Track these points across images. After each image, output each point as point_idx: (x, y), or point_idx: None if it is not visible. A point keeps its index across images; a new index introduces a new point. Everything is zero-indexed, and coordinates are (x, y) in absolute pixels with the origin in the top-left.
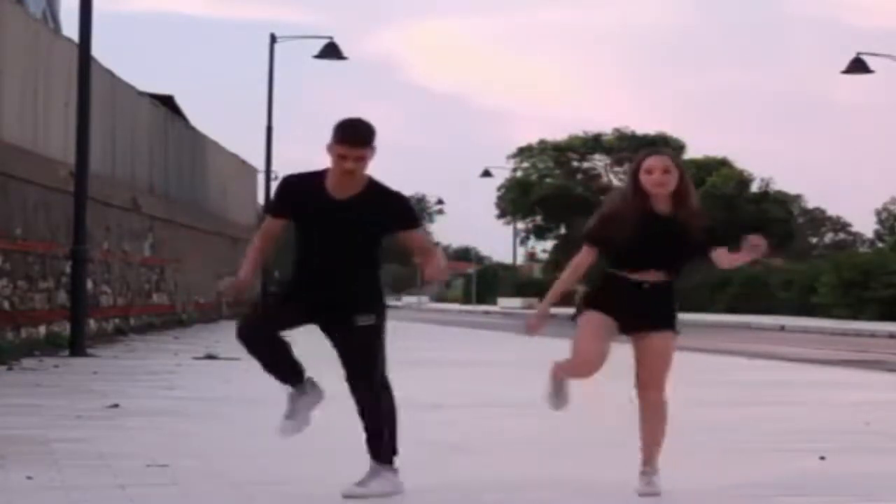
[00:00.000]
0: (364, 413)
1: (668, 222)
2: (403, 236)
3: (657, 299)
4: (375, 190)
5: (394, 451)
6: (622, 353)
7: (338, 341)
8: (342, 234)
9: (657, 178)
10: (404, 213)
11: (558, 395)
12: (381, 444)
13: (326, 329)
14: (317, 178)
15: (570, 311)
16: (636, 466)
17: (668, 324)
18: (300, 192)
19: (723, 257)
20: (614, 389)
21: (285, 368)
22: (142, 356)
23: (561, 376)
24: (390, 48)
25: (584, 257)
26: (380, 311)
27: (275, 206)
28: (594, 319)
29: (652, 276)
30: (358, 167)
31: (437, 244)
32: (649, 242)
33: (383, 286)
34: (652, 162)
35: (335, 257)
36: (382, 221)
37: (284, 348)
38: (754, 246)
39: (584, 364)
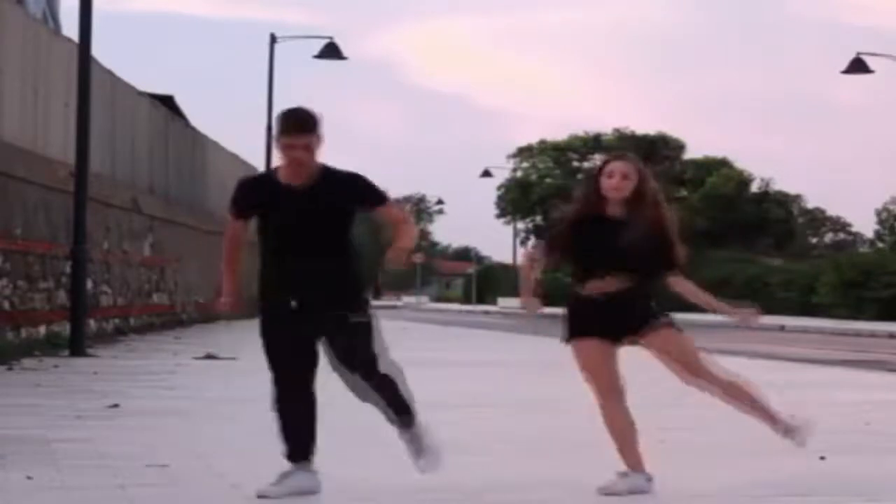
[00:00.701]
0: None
1: (616, 225)
2: (378, 214)
3: (624, 306)
4: (330, 175)
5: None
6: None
7: (332, 338)
8: (305, 224)
9: (615, 182)
10: (366, 191)
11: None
12: (399, 402)
13: (317, 331)
14: (270, 174)
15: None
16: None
17: (652, 322)
18: (256, 189)
19: (684, 288)
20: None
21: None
22: (142, 356)
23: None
24: (390, 48)
25: (541, 252)
26: (366, 307)
27: (234, 209)
28: (585, 346)
29: (608, 285)
30: (305, 156)
31: (409, 216)
32: (598, 245)
33: (363, 279)
34: (615, 166)
35: (304, 250)
36: (344, 205)
37: (311, 412)
38: (745, 318)
39: (603, 394)
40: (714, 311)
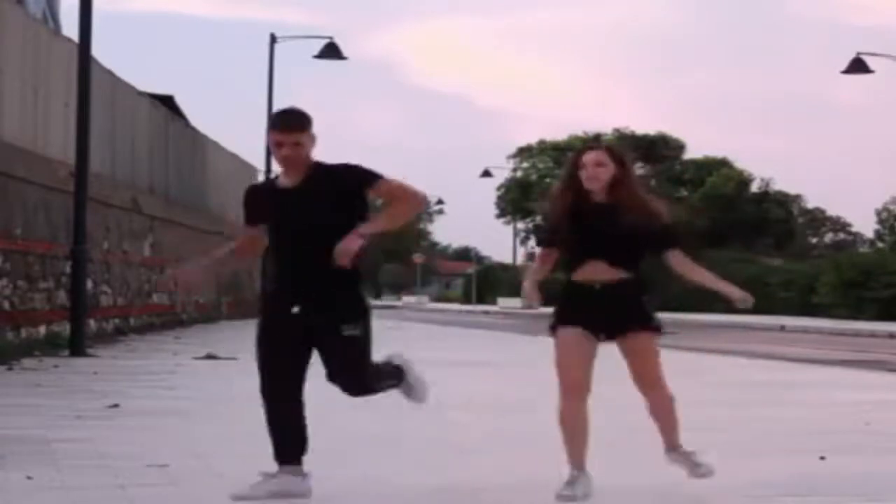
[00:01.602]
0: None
1: (601, 209)
2: (378, 194)
3: (617, 300)
4: (322, 170)
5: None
6: (616, 355)
7: (324, 350)
8: (303, 222)
9: (589, 171)
10: (358, 175)
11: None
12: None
13: (311, 336)
14: (272, 179)
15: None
16: (634, 466)
17: (640, 323)
18: (258, 195)
19: (684, 265)
20: (611, 391)
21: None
22: (142, 356)
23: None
24: (390, 48)
25: (541, 258)
26: (364, 317)
27: (244, 215)
28: (567, 341)
29: (602, 274)
30: (295, 153)
31: (411, 188)
32: (586, 231)
33: (364, 285)
34: (586, 157)
35: (305, 249)
36: (341, 196)
37: (299, 413)
38: (744, 298)
39: (565, 388)
40: (716, 290)
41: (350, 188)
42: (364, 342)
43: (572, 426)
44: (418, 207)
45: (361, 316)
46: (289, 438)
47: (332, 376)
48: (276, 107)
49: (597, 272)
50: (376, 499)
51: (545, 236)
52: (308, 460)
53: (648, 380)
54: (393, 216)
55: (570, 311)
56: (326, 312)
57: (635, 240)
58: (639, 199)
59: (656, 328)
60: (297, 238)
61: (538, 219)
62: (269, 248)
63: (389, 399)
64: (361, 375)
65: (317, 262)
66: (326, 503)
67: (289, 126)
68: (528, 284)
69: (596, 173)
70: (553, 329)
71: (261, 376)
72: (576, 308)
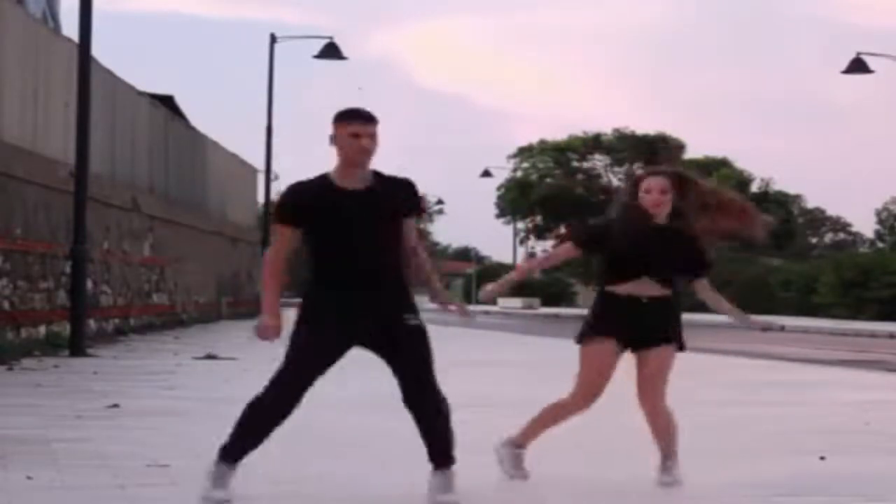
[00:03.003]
0: (434, 423)
1: (662, 233)
2: (406, 222)
3: (659, 315)
4: (385, 179)
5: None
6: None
7: (392, 348)
8: (368, 227)
9: (655, 197)
10: (414, 197)
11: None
12: (450, 446)
13: (372, 340)
14: (322, 179)
15: (571, 311)
16: (633, 466)
17: (670, 339)
18: (311, 194)
19: (708, 294)
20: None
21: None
22: (142, 356)
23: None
24: (390, 48)
25: (566, 252)
26: (417, 308)
27: (287, 215)
28: (601, 351)
29: (648, 290)
30: (373, 145)
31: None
32: (644, 250)
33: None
34: (652, 182)
35: (368, 254)
36: (399, 207)
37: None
38: (755, 323)
39: (588, 397)
40: (737, 321)
41: (407, 204)
42: (426, 331)
43: (555, 416)
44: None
45: (416, 307)
46: (256, 444)
47: (405, 376)
48: (277, 106)
49: (647, 289)
50: (374, 499)
51: (586, 239)
52: (310, 461)
53: (661, 392)
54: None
55: (607, 322)
56: (388, 305)
57: (680, 260)
58: (694, 231)
59: (682, 346)
60: (366, 242)
61: (538, 219)
62: (319, 258)
63: (390, 398)
64: (432, 369)
65: (381, 266)
66: (318, 503)
67: (368, 118)
68: (493, 286)
69: (661, 200)
70: (583, 337)
71: (283, 383)
72: (616, 320)
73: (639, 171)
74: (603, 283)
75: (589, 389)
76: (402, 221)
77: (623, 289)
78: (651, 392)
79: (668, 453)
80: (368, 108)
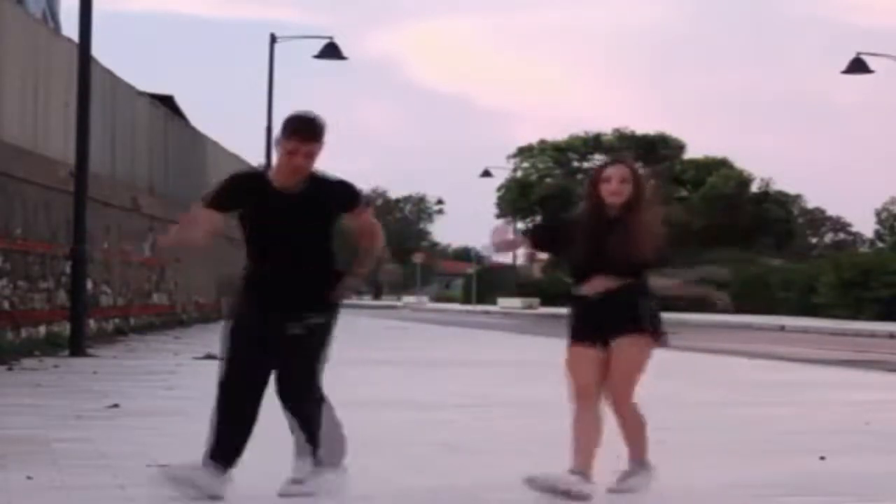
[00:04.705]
0: (302, 424)
1: (614, 225)
2: (350, 218)
3: (623, 304)
4: (320, 181)
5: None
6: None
7: (280, 343)
8: (293, 230)
9: (614, 186)
10: (348, 194)
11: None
12: (314, 436)
13: (271, 331)
14: (261, 176)
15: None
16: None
17: (632, 327)
18: (246, 188)
19: (657, 284)
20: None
21: (240, 442)
22: (142, 356)
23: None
24: (390, 48)
25: (529, 250)
26: (331, 310)
27: (215, 199)
28: (577, 357)
29: (607, 284)
30: (307, 164)
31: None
32: (595, 247)
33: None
34: (612, 171)
35: (288, 254)
36: (330, 210)
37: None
38: (723, 301)
39: (577, 399)
40: (692, 295)
41: (340, 204)
42: (325, 333)
43: (579, 430)
44: (381, 245)
45: (328, 308)
46: (238, 444)
47: (282, 375)
48: (276, 106)
49: (604, 284)
50: (375, 499)
51: (540, 237)
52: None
53: (619, 391)
54: (371, 254)
55: (575, 324)
56: (294, 302)
57: (629, 256)
58: (646, 226)
59: (648, 330)
60: (291, 244)
61: (538, 219)
62: (249, 247)
63: (389, 399)
64: (314, 372)
65: (299, 267)
66: (324, 503)
67: (310, 136)
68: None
69: (620, 189)
70: (568, 342)
71: (226, 373)
72: (579, 323)
73: (603, 162)
74: (571, 285)
75: (576, 392)
76: (333, 223)
77: (584, 288)
78: (611, 389)
79: (631, 455)
80: (319, 115)
